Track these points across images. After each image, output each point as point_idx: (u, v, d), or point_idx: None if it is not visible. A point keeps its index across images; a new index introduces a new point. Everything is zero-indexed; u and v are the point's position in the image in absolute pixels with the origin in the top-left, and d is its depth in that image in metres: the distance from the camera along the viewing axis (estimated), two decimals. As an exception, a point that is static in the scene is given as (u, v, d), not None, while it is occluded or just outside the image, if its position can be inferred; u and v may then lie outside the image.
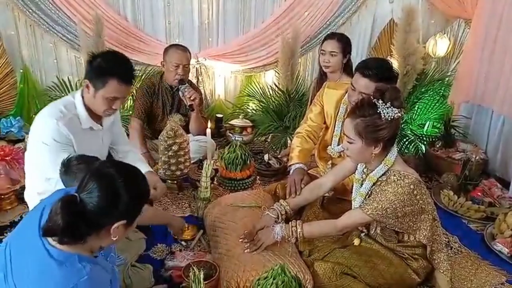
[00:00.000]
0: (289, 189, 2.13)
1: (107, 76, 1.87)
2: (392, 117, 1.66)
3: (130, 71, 1.94)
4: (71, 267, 1.13)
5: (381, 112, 1.66)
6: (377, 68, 2.02)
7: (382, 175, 1.78)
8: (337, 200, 2.30)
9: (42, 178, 1.91)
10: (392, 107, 1.65)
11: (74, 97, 1.97)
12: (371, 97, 1.71)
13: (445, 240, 2.38)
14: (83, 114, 1.95)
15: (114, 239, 1.20)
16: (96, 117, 2.00)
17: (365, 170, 1.89)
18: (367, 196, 1.83)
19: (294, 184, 2.12)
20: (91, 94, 1.91)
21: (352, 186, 1.98)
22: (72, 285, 1.10)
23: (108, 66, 1.89)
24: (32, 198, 2.01)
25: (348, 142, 1.75)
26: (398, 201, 1.72)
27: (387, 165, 1.77)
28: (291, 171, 2.31)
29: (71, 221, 1.10)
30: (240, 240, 1.91)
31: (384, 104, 1.66)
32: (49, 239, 1.14)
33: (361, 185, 1.88)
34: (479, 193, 2.79)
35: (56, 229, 1.10)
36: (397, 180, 1.73)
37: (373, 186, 1.81)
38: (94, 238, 1.18)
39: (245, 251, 1.86)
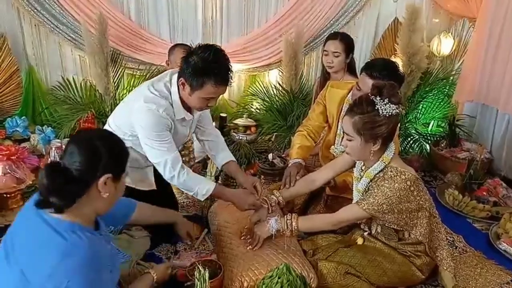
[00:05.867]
0: (283, 181, 2.15)
1: (204, 77, 1.81)
2: (390, 113, 1.67)
3: (227, 70, 1.84)
4: (70, 236, 1.18)
5: (379, 108, 1.66)
6: (384, 69, 2.03)
7: (380, 171, 1.79)
8: (341, 199, 2.30)
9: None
10: (390, 103, 1.66)
11: (171, 88, 1.94)
12: (369, 94, 1.71)
13: (449, 239, 2.39)
14: (178, 105, 1.94)
15: (105, 196, 1.26)
16: (188, 107, 1.99)
17: (363, 168, 1.90)
18: (364, 192, 1.84)
19: (289, 176, 2.14)
20: (187, 92, 1.88)
21: (355, 184, 1.99)
22: (72, 254, 1.16)
23: (205, 66, 1.80)
24: None
25: (347, 139, 1.76)
26: (394, 197, 1.72)
27: (384, 162, 1.78)
28: (288, 166, 2.33)
29: (57, 182, 1.17)
30: (242, 238, 1.93)
31: (382, 100, 1.67)
32: (47, 211, 1.20)
33: (360, 182, 1.89)
34: (484, 193, 2.79)
35: (45, 194, 1.18)
36: (394, 176, 1.74)
37: (370, 182, 1.82)
38: (86, 202, 1.24)
39: (248, 248, 1.86)
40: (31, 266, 1.16)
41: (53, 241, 1.17)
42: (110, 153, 1.26)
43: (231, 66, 1.87)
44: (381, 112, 1.66)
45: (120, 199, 1.42)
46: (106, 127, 2.15)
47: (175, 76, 1.94)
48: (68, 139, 2.96)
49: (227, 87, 1.93)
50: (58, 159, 1.27)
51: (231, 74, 1.86)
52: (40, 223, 1.20)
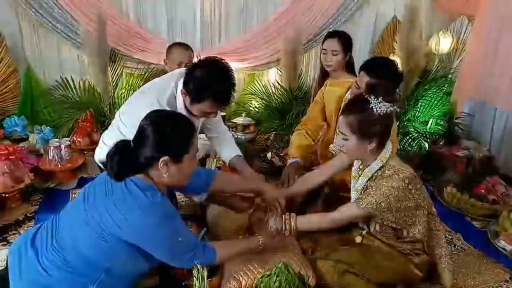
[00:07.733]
0: (282, 180, 2.16)
1: (204, 94, 1.80)
2: (384, 112, 1.67)
3: (230, 90, 1.83)
4: (150, 191, 1.38)
5: (373, 107, 1.67)
6: (382, 68, 2.03)
7: (378, 170, 1.79)
8: (339, 198, 2.30)
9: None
10: (383, 102, 1.67)
11: (176, 94, 1.95)
12: (363, 93, 1.72)
13: (448, 237, 2.39)
14: (183, 111, 1.93)
15: (165, 175, 1.40)
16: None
17: (361, 167, 1.90)
18: (362, 191, 1.84)
19: (287, 175, 2.14)
20: (188, 102, 1.89)
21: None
22: (150, 203, 1.35)
23: (207, 84, 1.79)
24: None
25: (343, 139, 1.76)
26: (392, 196, 1.72)
27: (382, 161, 1.78)
28: (287, 165, 2.33)
29: (120, 160, 1.36)
30: (241, 237, 1.93)
31: (375, 99, 1.67)
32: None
33: (358, 181, 1.89)
34: (483, 190, 2.79)
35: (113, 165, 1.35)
36: (392, 174, 1.73)
37: (368, 181, 1.82)
38: (155, 174, 1.41)
39: None
40: (112, 214, 1.35)
41: (137, 195, 1.35)
42: (158, 137, 1.35)
43: (235, 84, 1.86)
44: (375, 111, 1.67)
45: (201, 170, 1.58)
46: (116, 122, 2.12)
47: (181, 82, 1.93)
48: (66, 138, 2.97)
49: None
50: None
51: (233, 94, 1.85)
52: (124, 184, 1.38)
